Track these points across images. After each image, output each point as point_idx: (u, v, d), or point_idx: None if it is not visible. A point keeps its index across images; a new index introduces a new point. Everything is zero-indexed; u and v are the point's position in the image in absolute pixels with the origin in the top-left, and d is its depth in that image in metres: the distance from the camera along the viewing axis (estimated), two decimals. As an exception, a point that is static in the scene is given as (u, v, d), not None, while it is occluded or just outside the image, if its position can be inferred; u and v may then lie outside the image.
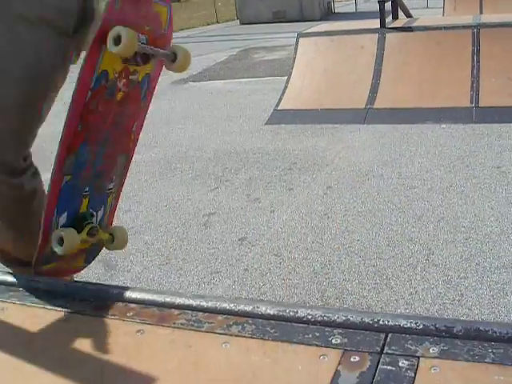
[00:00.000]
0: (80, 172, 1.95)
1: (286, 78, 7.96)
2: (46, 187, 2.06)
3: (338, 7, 26.61)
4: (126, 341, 1.49)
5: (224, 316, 1.48)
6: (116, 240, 2.16)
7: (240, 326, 1.43)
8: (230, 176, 5.63)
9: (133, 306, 1.61)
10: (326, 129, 6.87)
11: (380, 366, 1.22)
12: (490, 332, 1.28)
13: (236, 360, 1.34)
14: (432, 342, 1.26)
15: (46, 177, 2.07)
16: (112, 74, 1.85)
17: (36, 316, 1.67)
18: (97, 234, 2.03)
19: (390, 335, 1.30)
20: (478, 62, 6.90)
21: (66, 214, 1.97)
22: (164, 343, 1.44)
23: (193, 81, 11.23)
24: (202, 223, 4.62)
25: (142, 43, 1.82)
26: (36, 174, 2.09)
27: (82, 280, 3.79)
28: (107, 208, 2.17)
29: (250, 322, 1.44)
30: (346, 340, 1.31)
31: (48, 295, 1.75)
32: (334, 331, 1.35)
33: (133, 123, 2.10)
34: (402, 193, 4.80)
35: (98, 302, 1.67)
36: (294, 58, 7.98)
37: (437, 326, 1.31)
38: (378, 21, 7.63)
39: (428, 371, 1.19)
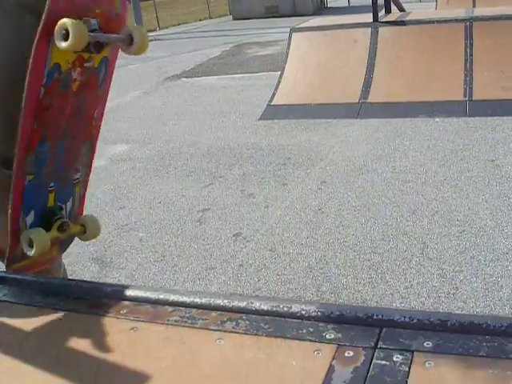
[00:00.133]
0: (42, 169, 1.89)
1: (279, 73, 7.95)
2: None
3: (331, 1, 26.58)
4: (120, 338, 1.48)
5: (218, 312, 1.47)
6: (88, 230, 2.08)
7: (234, 322, 1.42)
8: (223, 172, 5.63)
9: (126, 303, 1.60)
10: (320, 124, 6.87)
11: (374, 360, 1.21)
12: (485, 325, 1.27)
13: (230, 356, 1.33)
14: (426, 336, 1.26)
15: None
16: (65, 65, 1.75)
17: (30, 314, 1.66)
18: (68, 228, 1.97)
19: (384, 330, 1.30)
20: (471, 55, 6.91)
21: (33, 212, 1.92)
22: (158, 340, 1.43)
23: (186, 77, 11.20)
24: (197, 219, 4.61)
25: (94, 29, 1.72)
26: None
27: (76, 277, 3.79)
28: (76, 198, 2.10)
29: (244, 317, 1.43)
30: (340, 335, 1.31)
31: (42, 293, 1.74)
32: (328, 326, 1.34)
33: (93, 110, 2.00)
34: (396, 187, 4.81)
35: (92, 300, 1.66)
36: (287, 53, 7.98)
37: (431, 319, 1.31)
38: (371, 15, 7.63)
39: (422, 365, 1.19)
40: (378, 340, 1.28)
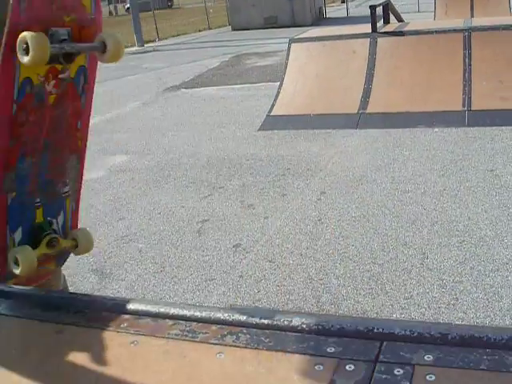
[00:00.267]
0: (24, 186, 1.84)
1: (279, 83, 7.97)
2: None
3: (330, 12, 26.70)
4: (121, 352, 1.48)
5: (218, 326, 1.47)
6: (80, 245, 2.04)
7: (234, 336, 1.42)
8: (223, 183, 5.63)
9: (127, 316, 1.60)
10: (319, 134, 6.88)
11: (375, 374, 1.21)
12: (485, 338, 1.27)
13: (231, 370, 1.33)
14: (427, 350, 1.26)
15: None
16: (36, 79, 1.68)
17: (30, 328, 1.66)
18: (57, 243, 1.93)
19: (384, 343, 1.30)
20: (470, 65, 6.93)
21: (20, 229, 1.87)
22: (158, 354, 1.43)
23: (185, 88, 11.22)
24: (196, 230, 4.61)
25: (63, 39, 1.64)
26: None
27: (76, 289, 3.78)
28: (67, 212, 2.05)
29: (245, 331, 1.43)
30: (340, 349, 1.31)
31: (42, 307, 1.74)
32: (329, 340, 1.34)
33: (75, 122, 1.93)
34: (395, 197, 4.81)
35: (92, 314, 1.65)
36: (286, 64, 8.00)
37: (431, 333, 1.31)
38: (370, 25, 7.65)
39: (423, 379, 1.19)
40: (378, 353, 1.28)
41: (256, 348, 1.37)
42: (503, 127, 6.28)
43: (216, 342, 1.42)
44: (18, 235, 1.87)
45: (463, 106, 6.69)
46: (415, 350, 1.28)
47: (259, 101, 8.90)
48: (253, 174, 5.78)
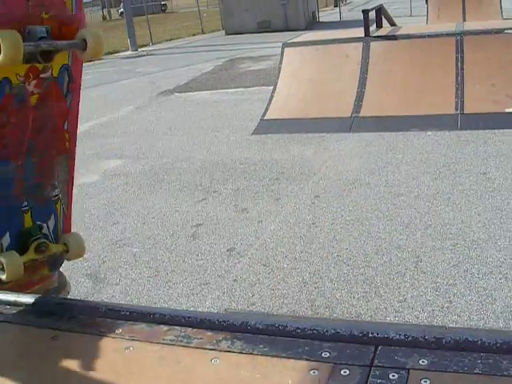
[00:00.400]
0: (9, 190, 1.78)
1: (272, 87, 7.98)
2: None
3: (323, 16, 26.77)
4: (115, 358, 1.47)
5: (213, 331, 1.47)
6: (71, 250, 1.97)
7: (229, 342, 1.42)
8: (217, 187, 5.63)
9: (121, 322, 1.59)
10: (313, 138, 6.89)
11: (370, 379, 1.21)
12: (479, 342, 1.28)
13: (226, 376, 1.33)
14: (421, 354, 1.26)
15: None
16: (15, 79, 1.63)
17: (25, 334, 1.66)
18: (46, 248, 1.87)
19: (379, 348, 1.30)
20: (462, 69, 6.96)
21: (8, 234, 1.82)
22: (153, 360, 1.43)
23: (179, 92, 11.22)
24: (190, 234, 4.61)
25: (41, 37, 1.58)
26: None
27: (70, 294, 3.77)
28: (58, 215, 1.99)
29: (240, 336, 1.43)
30: (335, 353, 1.31)
31: (36, 313, 1.73)
32: (324, 345, 1.34)
33: (62, 123, 1.87)
34: (389, 201, 4.82)
35: (87, 320, 1.65)
36: (280, 68, 8.02)
37: (426, 337, 1.31)
38: (363, 29, 7.68)
39: (418, 383, 1.19)
40: (373, 358, 1.28)
41: (251, 353, 1.37)
42: (496, 130, 6.31)
43: (211, 347, 1.42)
44: (5, 240, 1.82)
45: (456, 109, 6.72)
46: (410, 354, 1.28)
47: (253, 105, 8.91)
48: (247, 178, 5.78)
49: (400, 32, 8.08)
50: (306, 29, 20.57)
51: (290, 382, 1.26)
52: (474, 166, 5.43)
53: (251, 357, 1.36)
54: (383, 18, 8.91)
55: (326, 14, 28.75)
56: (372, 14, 8.16)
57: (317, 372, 1.27)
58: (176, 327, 1.52)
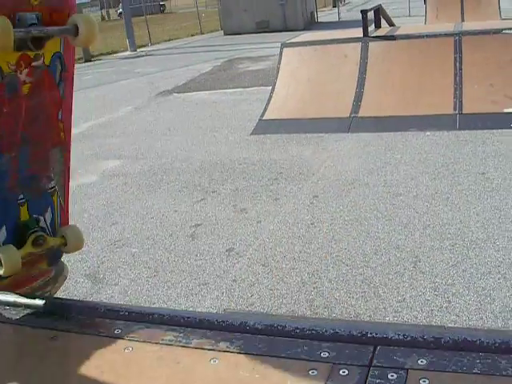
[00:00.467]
0: (4, 182, 1.75)
1: (271, 87, 7.98)
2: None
3: (321, 16, 26.76)
4: (114, 358, 1.47)
5: (212, 331, 1.47)
6: (69, 243, 1.93)
7: (228, 342, 1.42)
8: (216, 187, 5.63)
9: (120, 322, 1.59)
10: (311, 138, 6.89)
11: (369, 379, 1.22)
12: (478, 342, 1.28)
13: (225, 376, 1.33)
14: (420, 354, 1.27)
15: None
16: (6, 67, 1.58)
17: (24, 335, 1.66)
18: (44, 242, 1.84)
19: (378, 348, 1.31)
20: (461, 69, 6.96)
21: (4, 228, 1.78)
22: (152, 360, 1.43)
23: (177, 92, 11.22)
24: (189, 235, 4.61)
25: (32, 24, 1.55)
26: None
27: (69, 294, 3.77)
28: (55, 208, 1.95)
29: (239, 336, 1.43)
30: (334, 353, 1.31)
31: (35, 313, 1.73)
32: (323, 345, 1.34)
33: (56, 112, 1.83)
34: (387, 201, 4.82)
35: (86, 320, 1.65)
36: (278, 68, 8.02)
37: (425, 337, 1.31)
38: (361, 30, 7.68)
39: (417, 383, 1.19)
40: (372, 358, 1.28)
41: (250, 353, 1.37)
42: (494, 130, 6.31)
43: (210, 347, 1.42)
44: (2, 234, 1.79)
45: (454, 109, 6.72)
46: (409, 354, 1.28)
47: (251, 105, 8.91)
48: (245, 179, 5.78)
49: (398, 32, 8.08)
50: (304, 29, 20.59)
51: (289, 382, 1.26)
52: (473, 166, 5.43)
53: (250, 357, 1.36)
54: (382, 19, 8.92)
55: (325, 14, 28.76)
56: (370, 14, 8.18)
57: (316, 372, 1.27)
58: (175, 327, 1.52)
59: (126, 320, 1.59)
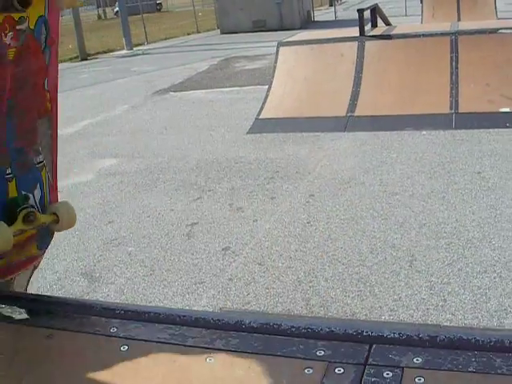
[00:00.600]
0: None
1: (267, 86, 7.98)
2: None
3: (318, 15, 26.75)
4: (110, 357, 1.47)
5: (208, 330, 1.47)
6: (61, 219, 1.86)
7: (224, 340, 1.42)
8: (212, 186, 5.63)
9: (116, 321, 1.59)
10: (308, 137, 6.89)
11: (365, 377, 1.22)
12: (473, 340, 1.29)
13: (220, 375, 1.33)
14: (415, 352, 1.27)
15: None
16: None
17: (19, 333, 1.65)
18: (35, 218, 1.77)
19: (374, 346, 1.31)
20: (457, 68, 6.98)
21: None
22: (148, 359, 1.43)
23: (174, 91, 11.21)
24: (186, 233, 4.60)
25: None
26: None
27: (65, 293, 3.77)
28: (44, 185, 1.87)
29: (234, 335, 1.43)
30: (330, 352, 1.31)
31: (31, 312, 1.73)
32: (318, 343, 1.34)
33: (42, 80, 1.75)
34: (383, 200, 4.83)
35: (82, 318, 1.65)
36: (275, 67, 8.02)
37: (420, 335, 1.32)
38: (358, 29, 7.69)
39: (412, 381, 1.20)
40: (368, 356, 1.28)
41: (246, 352, 1.37)
42: (490, 130, 6.32)
43: (206, 346, 1.42)
44: None
45: (450, 108, 6.73)
46: (404, 352, 1.28)
47: (248, 104, 8.91)
48: (242, 177, 5.78)
49: (395, 31, 8.09)
50: (301, 28, 20.58)
51: (285, 381, 1.26)
52: (469, 165, 5.44)
53: (246, 355, 1.36)
54: (378, 18, 8.92)
55: (321, 13, 28.74)
56: (367, 14, 8.18)
57: (311, 370, 1.27)
58: (171, 326, 1.52)
59: (122, 318, 1.59)
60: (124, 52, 20.01)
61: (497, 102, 6.58)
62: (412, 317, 3.18)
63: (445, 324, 3.08)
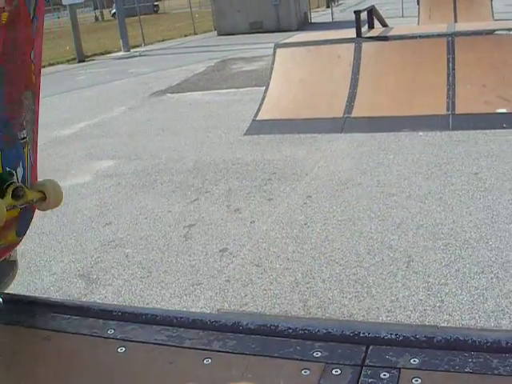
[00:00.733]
0: None
1: (264, 88, 7.99)
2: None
3: (315, 17, 26.78)
4: (108, 358, 1.47)
5: (205, 331, 1.47)
6: (48, 197, 1.78)
7: (221, 342, 1.42)
8: (209, 187, 5.63)
9: (113, 323, 1.59)
10: (305, 138, 6.90)
11: (362, 378, 1.22)
12: (470, 341, 1.29)
13: (218, 376, 1.33)
14: (412, 353, 1.27)
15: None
16: None
17: (16, 335, 1.65)
18: (24, 193, 1.70)
19: (370, 347, 1.31)
20: (454, 69, 6.99)
21: None
22: (145, 360, 1.43)
23: (171, 92, 11.21)
24: (183, 235, 4.60)
25: None
26: None
27: (63, 295, 3.77)
28: (26, 162, 1.81)
29: (232, 336, 1.43)
30: (327, 353, 1.31)
31: (28, 313, 1.73)
32: (315, 344, 1.34)
33: (29, 51, 1.70)
34: (381, 201, 4.84)
35: (79, 320, 1.65)
36: (272, 69, 8.03)
37: (417, 336, 1.32)
38: (354, 30, 7.70)
39: (409, 382, 1.20)
40: (364, 358, 1.28)
41: (243, 353, 1.37)
42: (487, 131, 6.34)
43: (203, 347, 1.42)
44: None
45: (447, 109, 6.74)
46: (401, 353, 1.28)
47: (245, 105, 8.92)
48: (239, 179, 5.78)
49: (392, 33, 8.11)
50: (297, 29, 20.60)
51: (282, 382, 1.26)
52: (466, 166, 5.45)
53: (243, 357, 1.36)
54: (375, 19, 8.94)
55: (318, 15, 28.77)
56: (364, 15, 8.20)
57: (308, 372, 1.27)
58: (168, 328, 1.52)
59: (120, 320, 1.59)
60: (121, 54, 20.02)
61: (493, 102, 6.60)
62: (409, 318, 3.18)
63: (442, 325, 3.08)
